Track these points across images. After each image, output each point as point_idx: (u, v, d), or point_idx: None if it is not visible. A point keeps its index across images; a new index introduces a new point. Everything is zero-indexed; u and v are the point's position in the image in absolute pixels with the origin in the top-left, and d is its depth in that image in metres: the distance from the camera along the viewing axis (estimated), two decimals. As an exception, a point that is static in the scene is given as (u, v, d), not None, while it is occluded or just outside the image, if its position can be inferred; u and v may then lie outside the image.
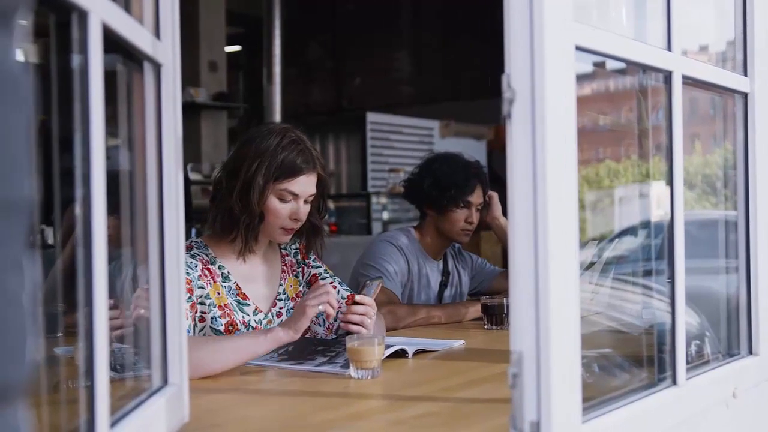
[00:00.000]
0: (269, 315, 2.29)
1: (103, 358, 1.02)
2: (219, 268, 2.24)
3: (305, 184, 2.22)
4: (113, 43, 1.11)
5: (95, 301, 1.01)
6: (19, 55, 0.55)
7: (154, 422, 1.27)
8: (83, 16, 1.00)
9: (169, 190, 1.38)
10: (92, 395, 1.00)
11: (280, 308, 2.33)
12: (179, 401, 1.40)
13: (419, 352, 2.19)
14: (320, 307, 1.98)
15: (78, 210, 1.01)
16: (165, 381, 1.38)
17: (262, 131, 2.24)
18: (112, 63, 1.21)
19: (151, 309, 1.36)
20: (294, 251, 2.44)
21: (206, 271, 2.19)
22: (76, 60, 1.01)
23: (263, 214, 2.21)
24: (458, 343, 2.36)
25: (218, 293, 2.19)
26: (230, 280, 2.24)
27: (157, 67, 1.35)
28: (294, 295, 2.38)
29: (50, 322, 1.25)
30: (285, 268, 2.39)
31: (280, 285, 2.36)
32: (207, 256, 2.23)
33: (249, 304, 2.25)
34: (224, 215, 2.21)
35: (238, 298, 2.24)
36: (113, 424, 1.09)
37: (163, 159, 1.37)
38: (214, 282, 2.20)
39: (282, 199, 2.21)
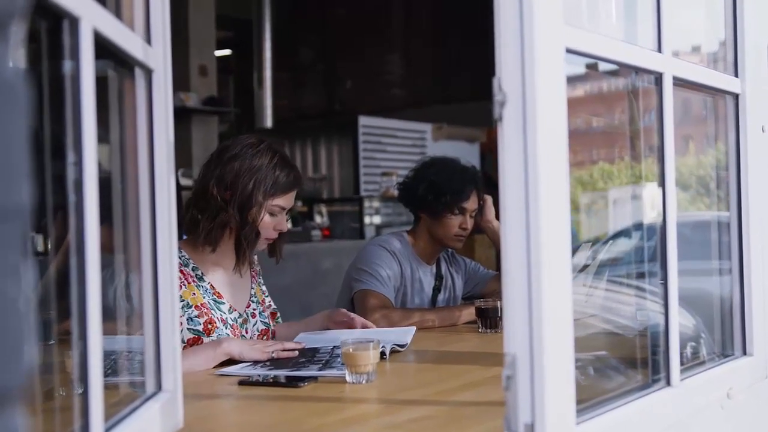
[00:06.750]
0: (244, 314, 2.39)
1: (97, 364, 1.02)
2: (193, 270, 2.31)
3: (293, 198, 2.37)
4: (103, 48, 1.11)
5: (88, 307, 1.00)
6: (15, 62, 0.55)
7: (149, 428, 1.26)
8: (74, 22, 1.00)
9: (162, 196, 1.37)
10: (86, 402, 1.00)
11: (254, 309, 2.44)
12: (173, 407, 1.40)
13: (394, 352, 2.22)
14: (273, 354, 2.13)
15: (71, 217, 1.00)
16: (159, 387, 1.37)
17: (244, 147, 2.30)
18: (103, 69, 1.21)
19: (144, 316, 1.36)
20: (256, 261, 2.55)
21: (179, 274, 2.23)
22: (67, 66, 1.01)
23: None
24: (411, 330, 2.42)
25: (193, 294, 2.27)
26: (205, 281, 2.31)
27: (148, 73, 1.35)
28: (260, 301, 2.49)
29: (44, 330, 1.25)
30: (254, 274, 2.51)
31: (252, 288, 2.47)
32: (180, 258, 2.28)
33: (224, 303, 2.33)
34: (218, 229, 2.27)
35: (214, 296, 2.32)
36: (107, 430, 1.08)
37: (155, 165, 1.36)
38: (189, 283, 2.27)
39: (272, 214, 2.32)
